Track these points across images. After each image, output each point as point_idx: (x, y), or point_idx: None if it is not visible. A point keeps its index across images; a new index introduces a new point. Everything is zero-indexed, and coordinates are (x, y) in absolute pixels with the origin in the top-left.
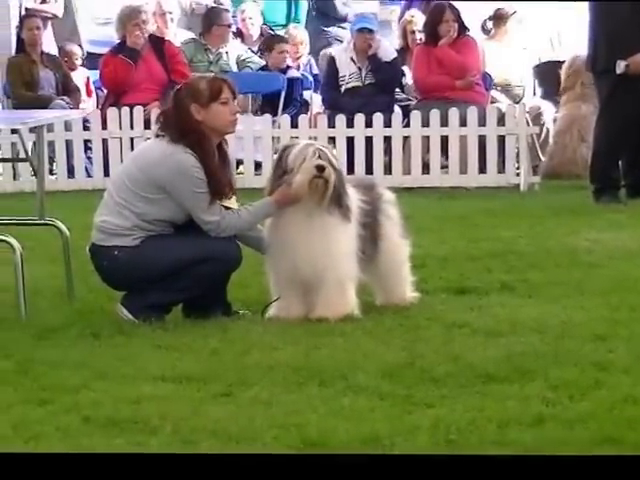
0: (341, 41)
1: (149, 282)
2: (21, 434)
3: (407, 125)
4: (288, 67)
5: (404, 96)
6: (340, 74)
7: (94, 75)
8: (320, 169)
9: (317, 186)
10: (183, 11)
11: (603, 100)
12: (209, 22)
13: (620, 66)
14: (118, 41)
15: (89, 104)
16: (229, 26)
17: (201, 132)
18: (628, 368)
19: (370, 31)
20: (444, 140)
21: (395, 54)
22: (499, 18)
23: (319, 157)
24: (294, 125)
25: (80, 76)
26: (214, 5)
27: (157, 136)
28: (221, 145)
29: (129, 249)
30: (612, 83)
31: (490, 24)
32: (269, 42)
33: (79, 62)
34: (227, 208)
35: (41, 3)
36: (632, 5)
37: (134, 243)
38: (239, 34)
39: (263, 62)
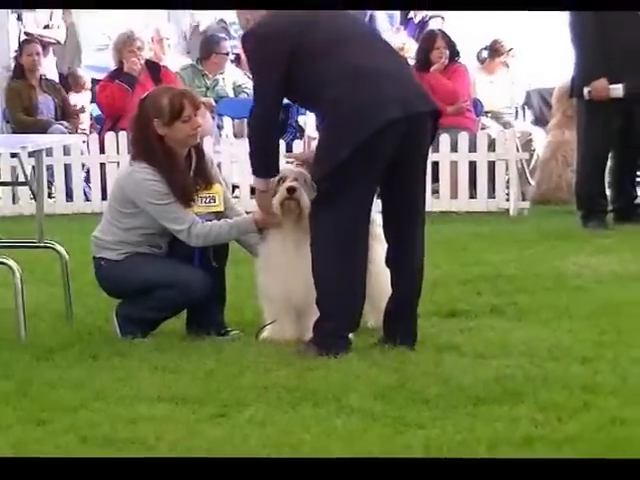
0: None
1: (125, 295)
2: (20, 453)
3: None
4: None
5: None
6: None
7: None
8: (290, 191)
9: (289, 207)
10: (182, 34)
11: (580, 125)
12: (208, 50)
13: (585, 92)
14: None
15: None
16: (227, 54)
17: (162, 146)
18: (615, 390)
19: None
20: (435, 165)
21: None
22: (495, 51)
23: (295, 179)
24: (288, 150)
25: (85, 99)
26: (213, 33)
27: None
28: (197, 144)
29: (112, 262)
30: (585, 108)
31: (485, 53)
32: None
33: (88, 86)
34: (204, 212)
35: (44, 28)
36: (595, 33)
37: (119, 258)
38: (237, 60)
39: None
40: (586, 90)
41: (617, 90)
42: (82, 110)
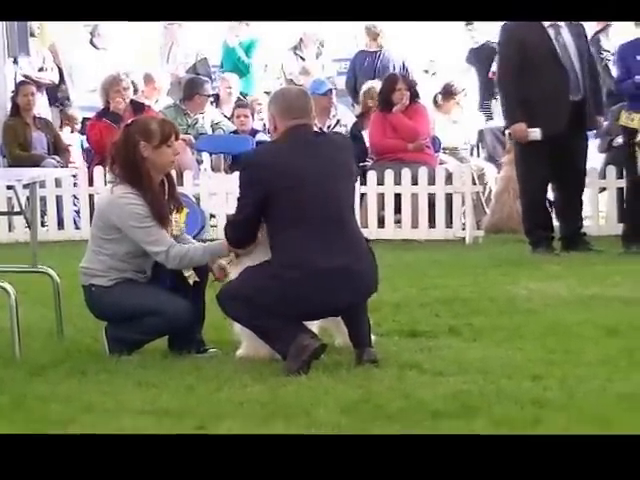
0: None
1: (113, 319)
2: None
3: (364, 183)
4: (257, 131)
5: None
6: None
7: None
8: None
9: None
10: (173, 77)
11: (516, 162)
12: (191, 91)
13: (506, 134)
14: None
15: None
16: (208, 96)
17: (144, 169)
18: (563, 406)
19: (331, 90)
20: (397, 197)
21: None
22: (448, 93)
23: None
24: None
25: (75, 136)
26: (197, 76)
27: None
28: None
29: (103, 288)
30: (518, 147)
31: (440, 97)
32: (233, 108)
33: (78, 127)
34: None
35: (38, 71)
36: (516, 80)
37: (109, 284)
38: (216, 99)
39: (234, 126)
40: (507, 132)
41: (534, 133)
42: (69, 145)
